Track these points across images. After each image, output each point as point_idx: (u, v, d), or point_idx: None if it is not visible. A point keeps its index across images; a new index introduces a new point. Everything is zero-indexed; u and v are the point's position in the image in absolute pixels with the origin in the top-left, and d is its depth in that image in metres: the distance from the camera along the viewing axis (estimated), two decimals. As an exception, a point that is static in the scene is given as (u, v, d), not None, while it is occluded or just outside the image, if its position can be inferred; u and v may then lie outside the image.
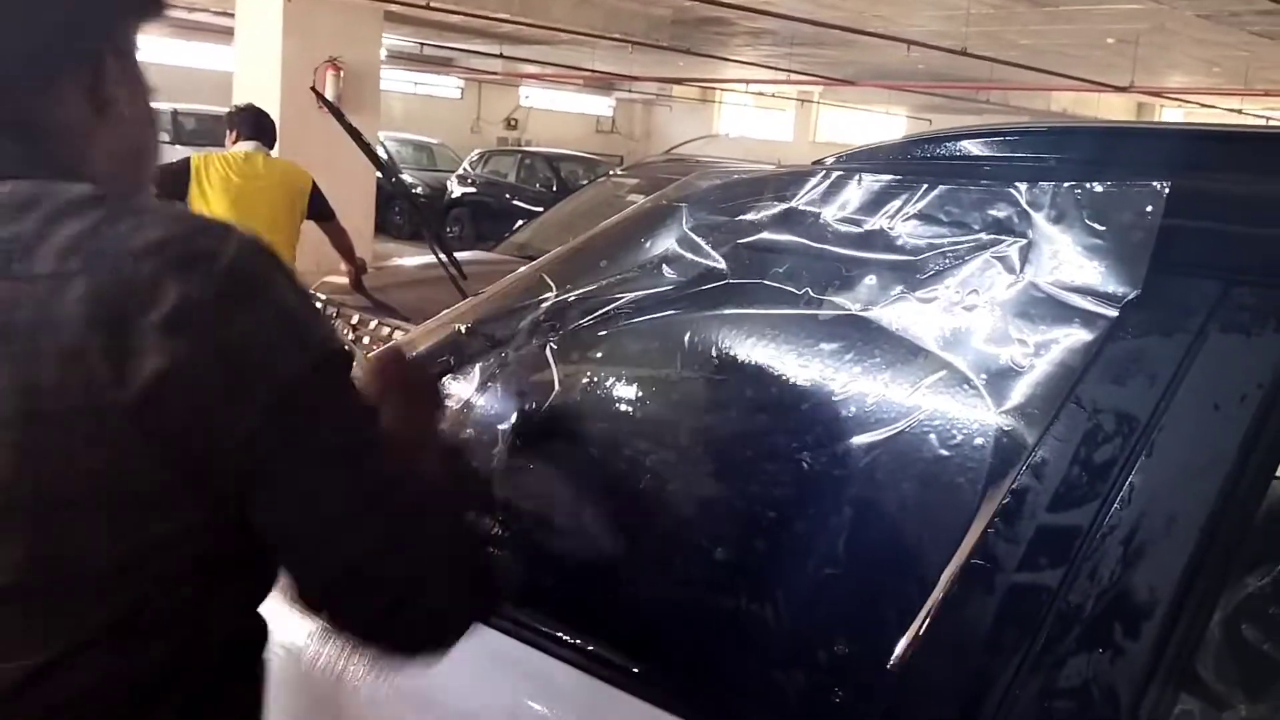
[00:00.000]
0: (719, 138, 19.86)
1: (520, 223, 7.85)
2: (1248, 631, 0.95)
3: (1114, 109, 17.32)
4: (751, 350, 1.04)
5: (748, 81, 18.50)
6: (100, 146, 0.84)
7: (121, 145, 0.86)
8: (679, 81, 19.94)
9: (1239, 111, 15.63)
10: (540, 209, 9.10)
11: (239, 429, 0.73)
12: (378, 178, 8.65)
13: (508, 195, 14.74)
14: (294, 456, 0.75)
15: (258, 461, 0.74)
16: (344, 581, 0.79)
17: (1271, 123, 14.35)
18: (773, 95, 20.86)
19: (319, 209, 4.58)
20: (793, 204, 1.02)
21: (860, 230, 0.97)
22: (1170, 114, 18.00)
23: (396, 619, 0.80)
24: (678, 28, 12.46)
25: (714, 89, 21.75)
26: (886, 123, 22.40)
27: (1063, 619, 0.80)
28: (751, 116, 24.41)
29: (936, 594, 0.86)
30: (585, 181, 10.63)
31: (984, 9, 10.17)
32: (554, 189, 13.88)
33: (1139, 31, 10.93)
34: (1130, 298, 0.81)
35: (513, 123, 23.78)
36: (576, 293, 1.18)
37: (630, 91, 22.94)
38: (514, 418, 1.21)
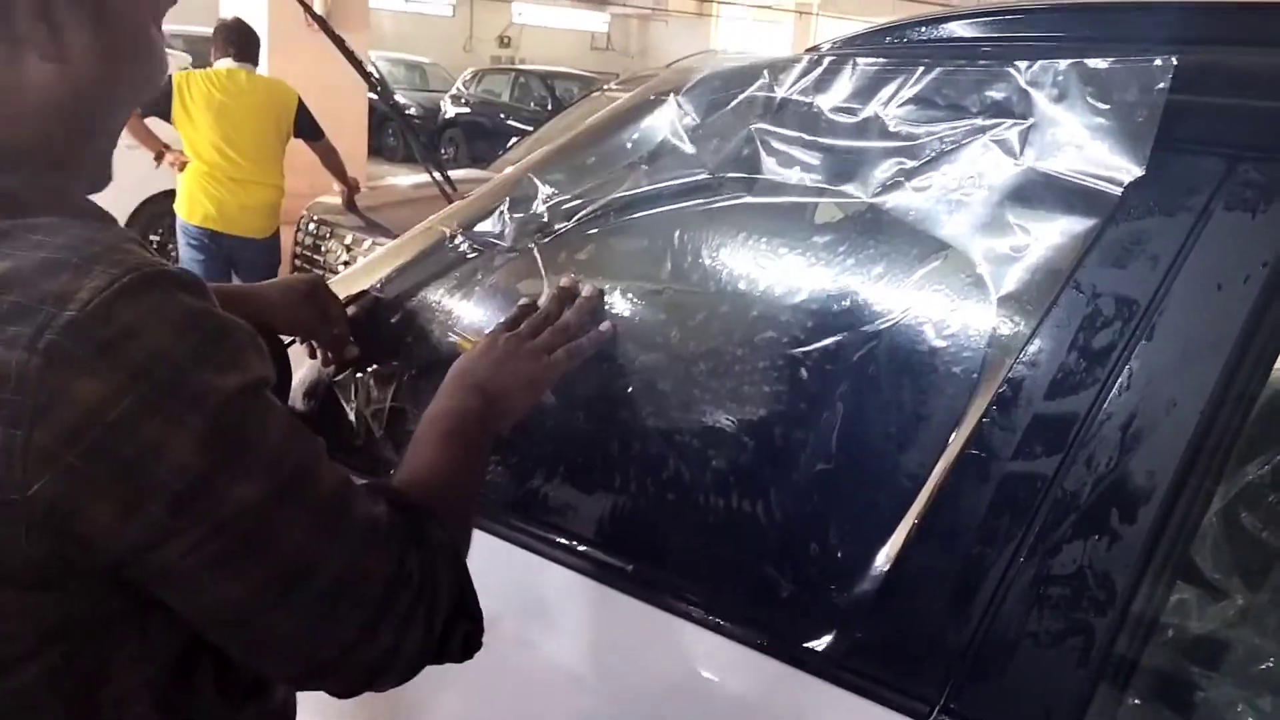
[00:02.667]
0: (715, 54, 19.51)
1: (514, 140, 7.75)
2: (1246, 520, 0.94)
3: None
4: (744, 246, 1.01)
5: (745, -6, 18.11)
6: (23, 98, 0.66)
7: (62, 100, 0.67)
8: (675, -5, 19.52)
9: None
10: (534, 128, 8.98)
11: (123, 537, 0.62)
12: (370, 99, 8.51)
13: (502, 115, 14.55)
14: (192, 558, 0.64)
15: (151, 567, 0.64)
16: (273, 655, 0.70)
17: None
18: (770, 8, 20.44)
19: (306, 127, 4.51)
20: (784, 92, 0.99)
21: (854, 118, 0.94)
22: None
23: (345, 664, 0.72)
24: (672, -62, 12.14)
25: (711, 2, 21.31)
26: (886, 35, 21.98)
27: (1058, 506, 0.79)
28: (749, 31, 23.95)
29: (931, 484, 0.85)
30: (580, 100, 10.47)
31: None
32: (549, 108, 13.69)
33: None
34: (1134, 178, 0.79)
35: (506, 40, 23.37)
36: (565, 192, 1.15)
37: (625, 6, 22.49)
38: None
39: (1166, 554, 0.79)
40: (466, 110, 15.20)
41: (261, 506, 0.65)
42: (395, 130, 13.46)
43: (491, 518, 1.09)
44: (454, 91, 15.74)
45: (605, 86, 7.21)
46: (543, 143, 6.14)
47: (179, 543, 0.63)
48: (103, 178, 0.77)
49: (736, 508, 0.97)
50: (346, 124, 7.98)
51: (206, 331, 0.65)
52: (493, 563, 0.98)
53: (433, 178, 3.09)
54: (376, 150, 11.71)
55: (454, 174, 5.44)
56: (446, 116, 15.17)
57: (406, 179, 5.79)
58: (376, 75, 3.91)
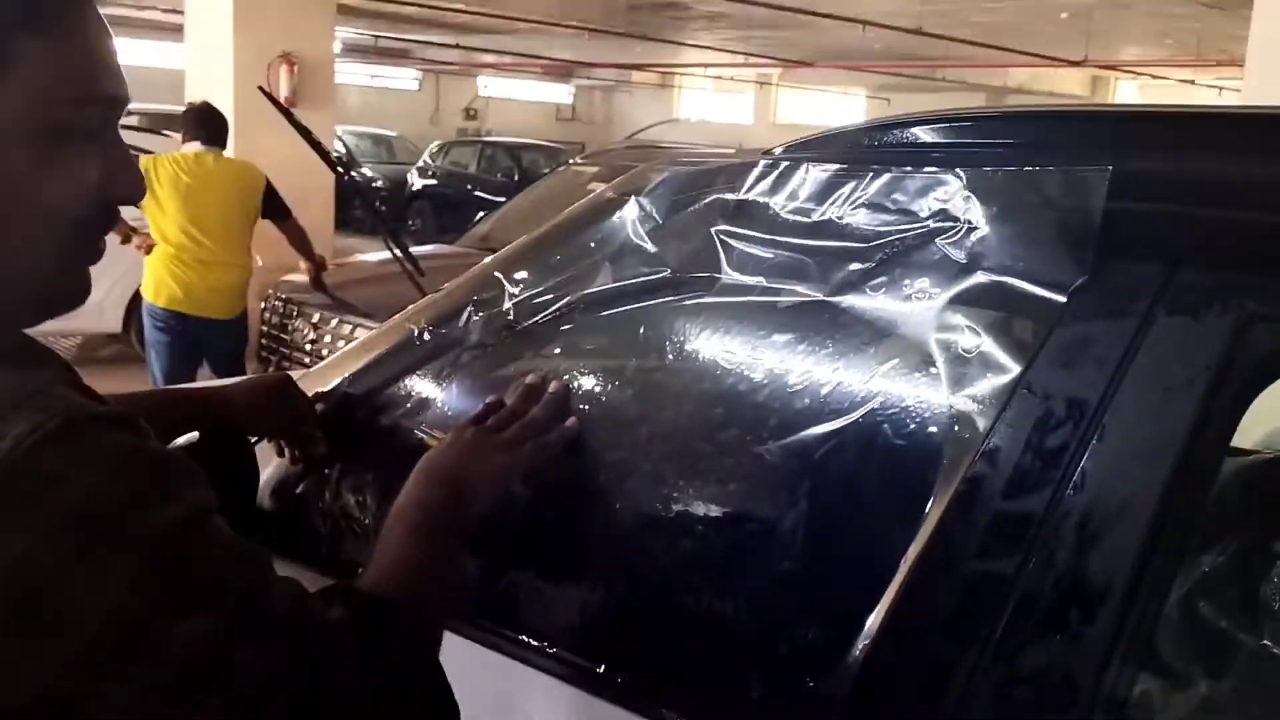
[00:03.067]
0: (679, 122, 19.84)
1: (481, 214, 7.80)
2: (1205, 610, 0.96)
3: (1069, 83, 17.45)
4: (703, 343, 1.03)
5: (706, 65, 18.47)
6: None
7: None
8: (638, 67, 19.88)
9: (1191, 82, 15.79)
10: (502, 199, 9.06)
11: (37, 684, 0.59)
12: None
13: (469, 186, 14.67)
14: (143, 700, 0.61)
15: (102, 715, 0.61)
16: None
17: (1224, 92, 14.51)
18: (731, 79, 20.84)
19: (274, 208, 4.53)
20: (740, 195, 1.01)
21: (808, 220, 0.97)
22: (1125, 86, 18.15)
23: None
24: (634, 13, 12.42)
25: (673, 74, 21.70)
26: (846, 103, 22.45)
27: (1021, 605, 0.80)
28: (711, 100, 24.38)
29: (897, 583, 0.86)
30: (547, 170, 10.59)
31: (938, -13, 10.22)
32: (516, 178, 13.82)
33: (1092, 5, 11.01)
34: (1077, 283, 0.81)
35: (472, 113, 23.64)
36: (529, 290, 1.17)
37: (589, 78, 22.85)
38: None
39: (1127, 647, 0.80)
40: (434, 182, 15.31)
41: (210, 639, 0.64)
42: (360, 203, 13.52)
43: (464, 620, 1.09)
44: (421, 164, 15.86)
45: (572, 161, 7.29)
46: (510, 217, 6.20)
47: (125, 689, 0.61)
48: (64, 295, 0.73)
49: (705, 606, 0.97)
50: (314, 200, 8.01)
51: (140, 469, 0.63)
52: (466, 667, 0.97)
53: (398, 259, 3.12)
54: (344, 223, 11.72)
55: (421, 249, 5.46)
56: (414, 189, 15.28)
57: (374, 255, 5.81)
58: (343, 152, 3.96)
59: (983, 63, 14.35)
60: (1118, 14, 11.50)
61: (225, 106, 5.04)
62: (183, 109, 4.69)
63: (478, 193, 14.00)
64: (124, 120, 0.77)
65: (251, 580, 0.69)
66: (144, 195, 0.79)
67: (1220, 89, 15.16)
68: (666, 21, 13.46)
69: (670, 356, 1.06)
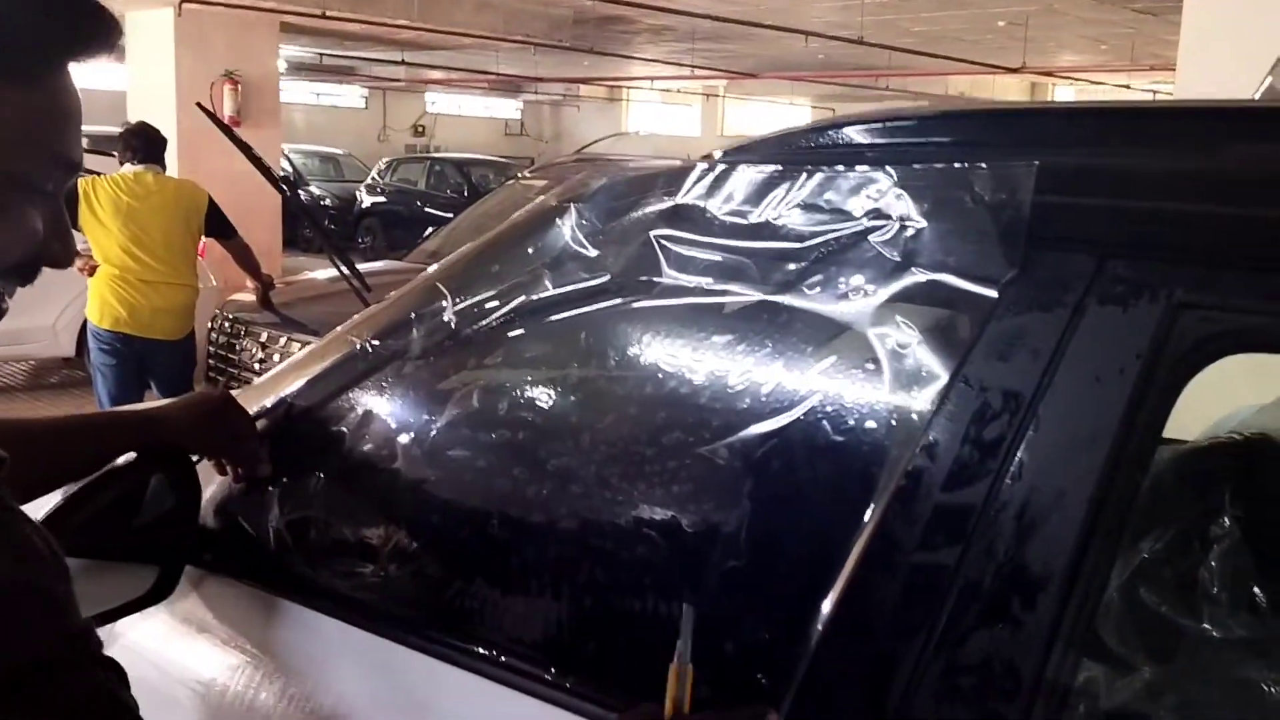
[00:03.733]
0: (628, 136, 19.88)
1: (430, 230, 7.77)
2: (1145, 595, 0.97)
3: (1009, 90, 17.75)
4: (644, 347, 1.04)
5: (653, 79, 18.55)
6: None
7: None
8: (585, 81, 19.93)
9: (1127, 87, 16.13)
10: (452, 215, 9.02)
11: None
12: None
13: (418, 202, 14.62)
14: None
15: None
16: None
17: (1158, 96, 14.83)
18: (678, 91, 20.96)
19: (217, 227, 4.48)
20: (678, 199, 1.02)
21: (746, 221, 0.97)
22: (1062, 92, 18.50)
23: None
24: (579, 27, 12.43)
25: (620, 87, 21.77)
26: (791, 113, 22.65)
27: (962, 596, 0.81)
28: (659, 113, 24.48)
29: (841, 578, 0.86)
30: (495, 185, 10.56)
31: (879, -1, 10.36)
32: (465, 194, 13.78)
33: (1028, 14, 11.21)
34: (1008, 276, 0.82)
35: (420, 129, 23.54)
36: (469, 300, 1.17)
37: (537, 93, 22.84)
38: (410, 430, 1.19)
39: (1069, 634, 0.81)
40: (383, 199, 15.24)
41: None
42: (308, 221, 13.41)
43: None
44: (369, 181, 15.78)
45: (520, 174, 7.28)
46: (459, 232, 6.18)
47: None
48: None
49: (649, 605, 0.97)
50: (261, 219, 7.94)
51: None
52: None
53: (343, 275, 3.09)
54: (292, 241, 11.62)
55: (369, 266, 5.43)
56: (363, 206, 15.19)
57: (322, 273, 5.76)
58: (290, 171, 3.92)
59: (923, 71, 14.55)
60: (1054, 21, 11.72)
61: (168, 127, 5.00)
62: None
63: (427, 209, 13.95)
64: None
65: None
66: (70, 265, 0.79)
67: (1155, 93, 15.50)
68: (612, 35, 13.50)
69: (612, 360, 1.06)
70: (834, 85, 18.05)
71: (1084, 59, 15.04)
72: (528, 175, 6.88)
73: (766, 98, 21.73)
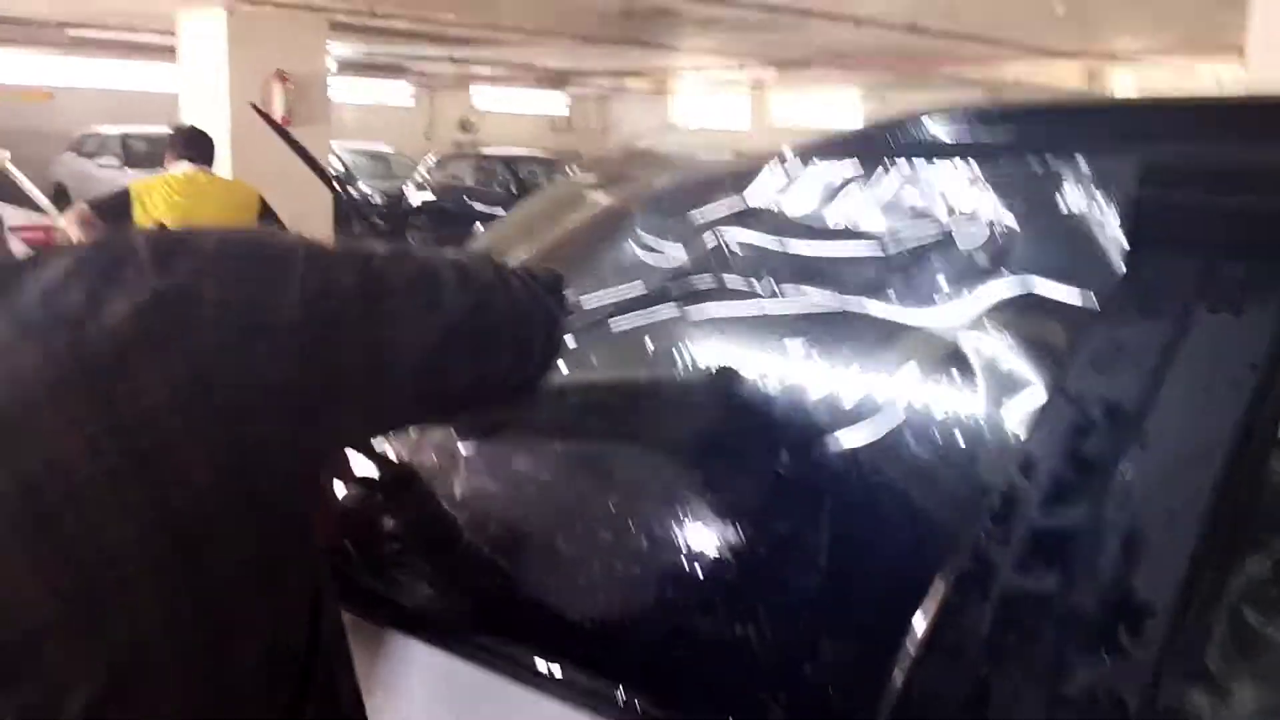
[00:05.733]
0: (676, 129, 19.82)
1: (479, 226, 7.78)
2: (1252, 617, 0.92)
3: (1065, 75, 17.39)
4: (719, 354, 0.99)
5: (700, 70, 18.46)
6: None
7: None
8: (632, 74, 19.87)
9: (1191, 69, 15.74)
10: (500, 210, 9.03)
11: None
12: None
13: (466, 198, 14.64)
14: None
15: None
16: None
17: (1222, 80, 14.47)
18: (727, 82, 20.82)
19: (269, 225, 4.51)
20: (746, 200, 0.97)
21: (823, 224, 0.93)
22: (1121, 77, 18.10)
23: None
24: (627, 20, 12.38)
25: (668, 80, 21.68)
26: (842, 104, 22.42)
27: (1064, 623, 0.76)
28: (707, 105, 24.35)
29: (933, 602, 0.82)
30: (544, 180, 10.55)
31: (931, -17, 10.21)
32: (513, 189, 13.80)
33: (1085, -2, 10.97)
34: (1110, 281, 0.77)
35: (467, 126, 23.63)
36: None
37: (584, 87, 22.83)
38: (479, 436, 1.16)
39: (1178, 664, 0.76)
40: (431, 196, 15.29)
41: None
42: (360, 219, 13.52)
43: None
44: (417, 178, 15.85)
45: (570, 170, 7.29)
46: (508, 229, 6.17)
47: None
48: None
49: (723, 628, 0.93)
50: (313, 217, 7.98)
51: None
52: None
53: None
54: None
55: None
56: (411, 204, 15.25)
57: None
58: (342, 169, 3.93)
59: (977, 58, 14.31)
60: (1111, 4, 11.45)
61: (220, 127, 5.05)
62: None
63: (476, 205, 13.98)
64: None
65: None
66: None
67: (1217, 77, 15.11)
68: (660, 27, 13.42)
69: (681, 370, 1.02)
70: (886, 74, 17.80)
71: (1142, 43, 14.70)
72: (577, 171, 6.86)
73: (815, 90, 21.52)
